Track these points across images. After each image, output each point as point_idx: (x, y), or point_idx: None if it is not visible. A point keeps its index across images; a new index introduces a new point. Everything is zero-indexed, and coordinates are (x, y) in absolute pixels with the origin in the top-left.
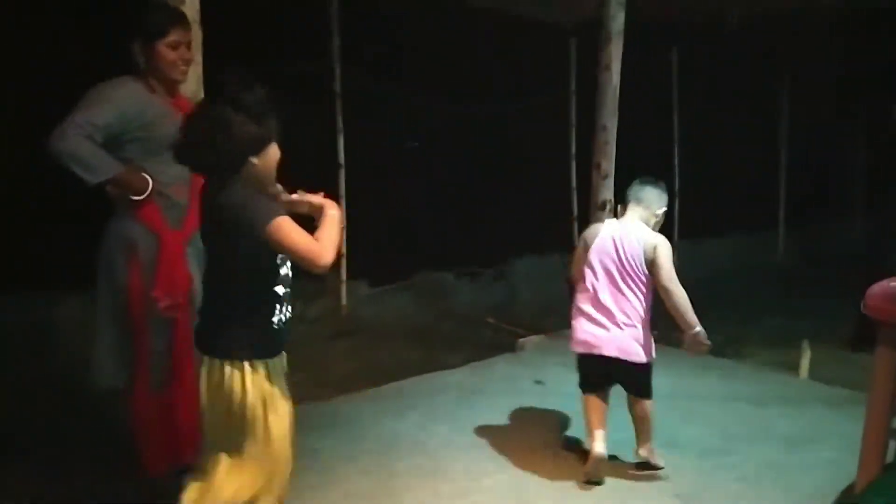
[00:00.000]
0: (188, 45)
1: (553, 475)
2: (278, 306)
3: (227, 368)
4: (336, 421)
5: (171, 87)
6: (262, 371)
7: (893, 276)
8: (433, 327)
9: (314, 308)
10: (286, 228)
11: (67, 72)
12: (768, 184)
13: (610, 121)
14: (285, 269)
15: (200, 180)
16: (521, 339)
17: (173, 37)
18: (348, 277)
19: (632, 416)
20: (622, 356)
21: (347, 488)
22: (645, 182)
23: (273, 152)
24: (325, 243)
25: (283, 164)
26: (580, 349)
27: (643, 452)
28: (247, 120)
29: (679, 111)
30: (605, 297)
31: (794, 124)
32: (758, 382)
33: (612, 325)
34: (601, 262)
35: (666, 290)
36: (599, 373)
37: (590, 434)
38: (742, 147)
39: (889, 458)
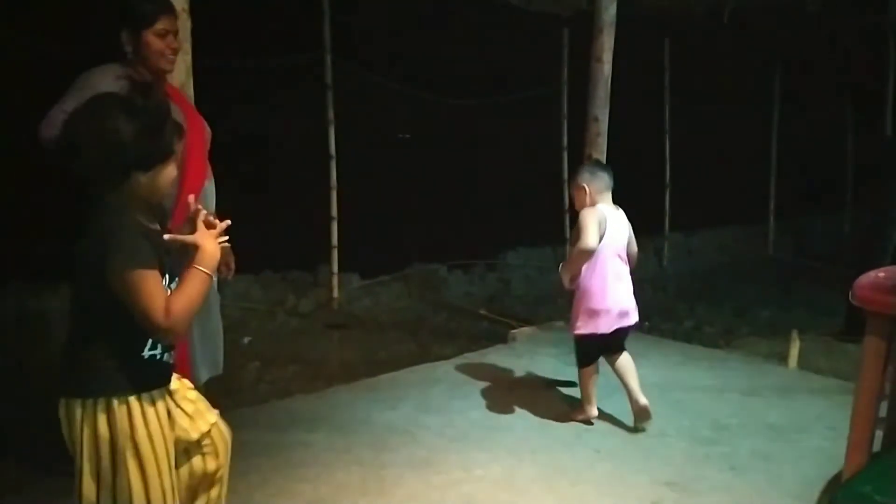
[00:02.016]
0: (175, 34)
1: (545, 465)
2: (151, 340)
3: (86, 406)
4: (328, 413)
5: (158, 77)
6: (128, 407)
7: (881, 267)
8: (426, 319)
9: (306, 301)
10: (136, 282)
11: (54, 61)
12: (759, 177)
13: (602, 112)
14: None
15: (190, 170)
16: (513, 331)
17: (161, 25)
18: (340, 270)
19: (621, 371)
20: (634, 321)
21: (339, 480)
22: (606, 168)
23: (167, 173)
24: (175, 305)
25: (274, 156)
26: (616, 325)
27: (644, 401)
28: (141, 129)
29: (671, 103)
30: (623, 273)
31: (784, 117)
32: (748, 373)
33: (630, 296)
34: (616, 245)
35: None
36: (602, 346)
37: (590, 402)
38: (733, 140)
39: (876, 447)
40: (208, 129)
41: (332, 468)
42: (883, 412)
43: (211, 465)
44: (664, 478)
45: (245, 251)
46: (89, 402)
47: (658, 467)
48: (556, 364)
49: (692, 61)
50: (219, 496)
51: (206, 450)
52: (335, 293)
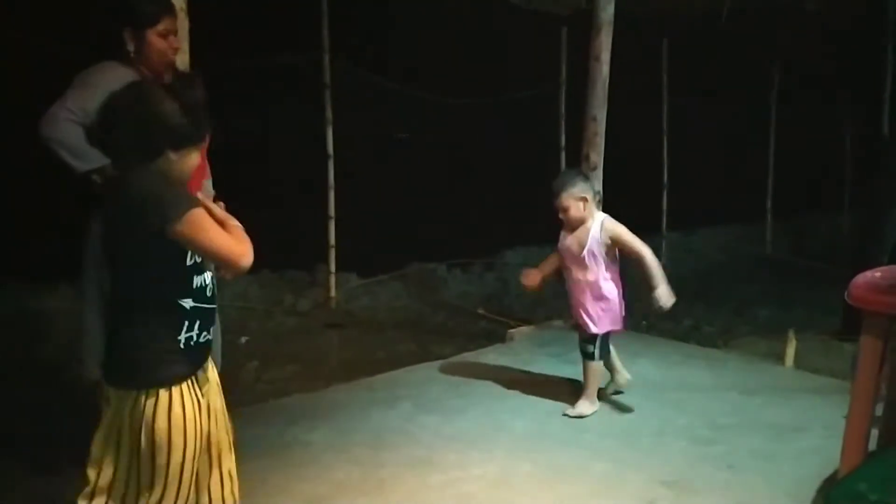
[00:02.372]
0: (175, 34)
1: (543, 465)
2: (187, 322)
3: (133, 397)
4: (326, 412)
5: (159, 76)
6: (164, 398)
7: (878, 267)
8: (424, 318)
9: (304, 300)
10: (202, 222)
11: (51, 59)
12: (757, 176)
13: (599, 112)
14: (200, 280)
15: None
16: (511, 330)
17: (164, 25)
18: (338, 269)
19: (613, 355)
20: None
21: (337, 479)
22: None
23: (193, 157)
24: (246, 245)
25: (272, 155)
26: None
27: (628, 374)
28: (180, 112)
29: (669, 103)
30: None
31: (782, 116)
32: (746, 372)
33: None
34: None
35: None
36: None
37: (595, 396)
38: (731, 139)
39: (872, 446)
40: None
41: (330, 467)
42: (879, 412)
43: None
44: (661, 477)
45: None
46: (132, 393)
47: (655, 466)
48: (554, 363)
49: (690, 60)
50: (231, 492)
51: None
52: (333, 293)
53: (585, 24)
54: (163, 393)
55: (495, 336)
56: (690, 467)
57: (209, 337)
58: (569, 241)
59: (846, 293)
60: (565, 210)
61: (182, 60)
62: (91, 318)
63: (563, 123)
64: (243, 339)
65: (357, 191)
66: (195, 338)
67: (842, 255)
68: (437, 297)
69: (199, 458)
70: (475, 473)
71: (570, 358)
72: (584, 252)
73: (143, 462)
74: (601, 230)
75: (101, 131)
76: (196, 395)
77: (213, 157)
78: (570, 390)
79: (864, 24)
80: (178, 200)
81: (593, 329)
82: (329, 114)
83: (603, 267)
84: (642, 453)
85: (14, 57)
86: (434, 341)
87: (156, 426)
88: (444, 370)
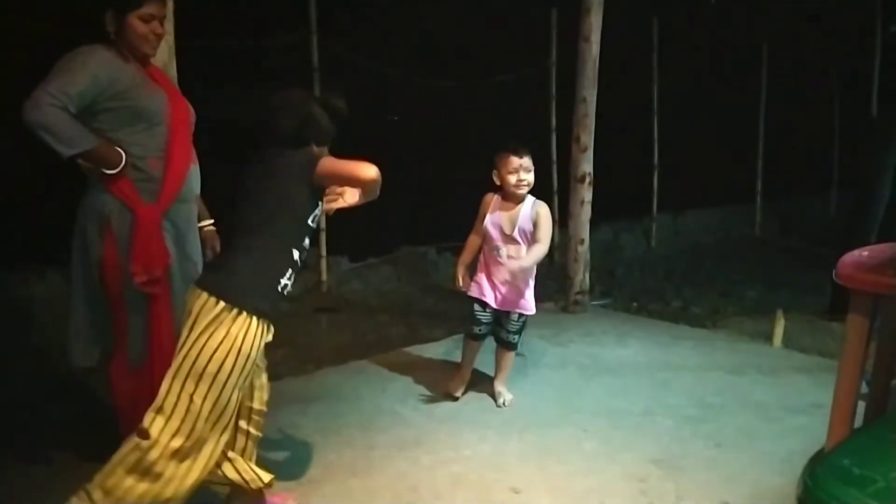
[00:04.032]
0: (161, 21)
1: (533, 444)
2: (290, 270)
3: (221, 307)
4: (317, 395)
5: (142, 59)
6: (248, 324)
7: (866, 246)
8: (415, 302)
9: (295, 284)
10: (333, 160)
11: (36, 41)
12: (746, 157)
13: (590, 93)
14: (307, 242)
15: (175, 153)
16: None
17: (147, 10)
18: (328, 253)
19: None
20: None
21: (329, 461)
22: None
23: (324, 153)
24: (369, 165)
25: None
26: None
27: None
28: (325, 114)
29: (659, 83)
30: None
31: (772, 97)
32: (734, 352)
33: None
34: None
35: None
36: None
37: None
38: (721, 120)
39: (858, 424)
40: (192, 112)
41: (322, 449)
42: (865, 389)
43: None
44: (651, 455)
45: None
46: (227, 306)
47: (645, 445)
48: (542, 344)
49: (680, 41)
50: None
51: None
52: (324, 276)
53: (575, 5)
54: (243, 317)
55: None
56: (679, 445)
57: (291, 291)
58: (500, 217)
59: (834, 272)
60: (528, 170)
61: (167, 42)
62: (78, 306)
63: (553, 105)
64: None
65: None
66: (288, 286)
67: (830, 236)
68: (427, 281)
69: (240, 386)
70: (466, 454)
71: (558, 340)
72: (516, 230)
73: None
74: (532, 208)
75: (265, 121)
76: (263, 334)
77: (199, 140)
78: (560, 372)
79: (853, 5)
80: (317, 154)
81: (531, 310)
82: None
83: (523, 245)
84: (632, 432)
85: None
86: (424, 324)
87: (225, 339)
88: (434, 353)
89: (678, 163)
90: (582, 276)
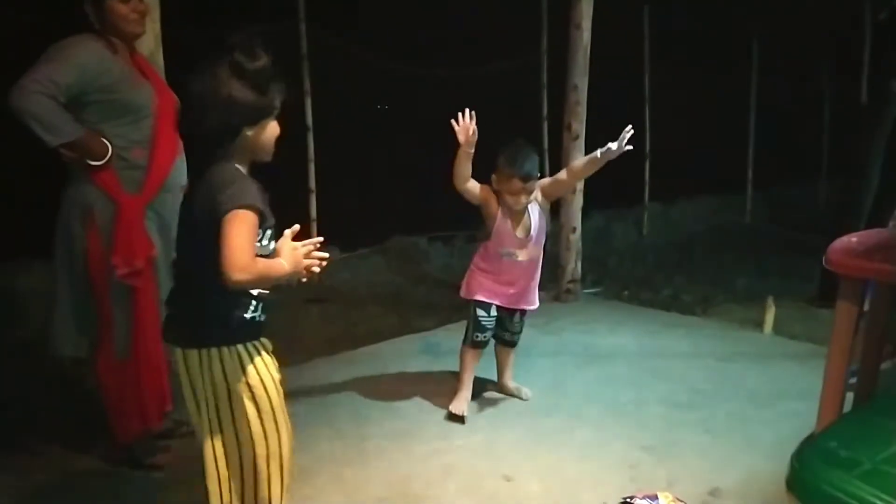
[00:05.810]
0: None
1: (524, 433)
2: (254, 303)
3: (202, 356)
4: (309, 386)
5: (131, 44)
6: (239, 355)
7: (855, 232)
8: (406, 292)
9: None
10: (236, 220)
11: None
12: (737, 145)
13: (581, 81)
14: None
15: (161, 144)
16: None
17: None
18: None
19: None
20: None
21: (320, 452)
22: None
23: (271, 127)
24: (256, 265)
25: None
26: None
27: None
28: (246, 88)
29: (650, 71)
30: None
31: (763, 86)
32: (724, 339)
33: None
34: None
35: None
36: None
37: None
38: (712, 108)
39: (846, 409)
40: (179, 103)
41: (313, 440)
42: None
43: None
44: (642, 442)
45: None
46: (204, 351)
47: (636, 432)
48: (534, 333)
49: (672, 28)
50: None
51: None
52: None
53: None
54: (237, 347)
55: None
56: (670, 432)
57: (264, 317)
58: (509, 226)
59: (824, 258)
60: (529, 193)
61: (153, 30)
62: (63, 296)
63: (544, 93)
64: None
65: (337, 163)
66: (257, 319)
67: (820, 224)
68: (418, 271)
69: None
70: (458, 444)
71: (550, 328)
72: (532, 233)
73: (248, 416)
74: (536, 204)
75: (183, 125)
76: (264, 348)
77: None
78: (552, 360)
79: None
80: (240, 196)
81: (537, 304)
82: (307, 85)
83: (538, 232)
84: (623, 419)
85: None
86: (416, 315)
87: (246, 375)
88: (426, 343)
89: (670, 151)
90: (574, 265)
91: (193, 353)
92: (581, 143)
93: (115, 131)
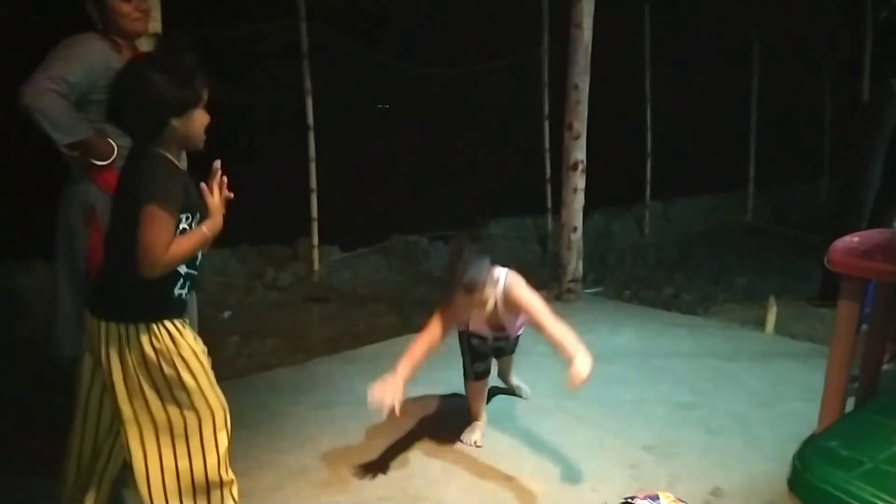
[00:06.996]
0: None
1: (526, 432)
2: (180, 281)
3: (128, 329)
4: (309, 385)
5: (133, 43)
6: (167, 329)
7: (857, 232)
8: (406, 291)
9: (286, 274)
10: (150, 217)
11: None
12: (739, 144)
13: (582, 79)
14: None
15: None
16: None
17: None
18: (320, 242)
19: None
20: None
21: (321, 450)
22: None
23: (198, 117)
24: (168, 254)
25: (252, 126)
26: None
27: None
28: (169, 82)
29: (651, 70)
30: None
31: (764, 84)
32: (726, 339)
33: None
34: None
35: None
36: None
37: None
38: (713, 107)
39: (848, 409)
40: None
41: (314, 439)
42: (856, 373)
43: None
44: (643, 442)
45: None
46: (132, 326)
47: (637, 432)
48: (532, 334)
49: (673, 26)
50: None
51: None
52: (315, 266)
53: None
54: (165, 323)
55: None
56: (671, 432)
57: (188, 296)
58: (478, 319)
59: (825, 258)
60: (482, 304)
61: (154, 29)
62: (65, 295)
63: (545, 92)
64: (226, 314)
65: (338, 162)
66: (183, 296)
67: (821, 223)
68: (419, 270)
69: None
70: (459, 443)
71: None
72: (502, 321)
73: (172, 388)
74: (500, 295)
75: (109, 119)
76: (187, 325)
77: None
78: (553, 360)
79: None
80: (156, 191)
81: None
82: (308, 83)
83: (518, 320)
84: (624, 419)
85: None
86: (416, 313)
87: (179, 348)
88: None
89: (671, 150)
90: (575, 265)
91: (117, 327)
92: (582, 141)
93: (117, 131)
